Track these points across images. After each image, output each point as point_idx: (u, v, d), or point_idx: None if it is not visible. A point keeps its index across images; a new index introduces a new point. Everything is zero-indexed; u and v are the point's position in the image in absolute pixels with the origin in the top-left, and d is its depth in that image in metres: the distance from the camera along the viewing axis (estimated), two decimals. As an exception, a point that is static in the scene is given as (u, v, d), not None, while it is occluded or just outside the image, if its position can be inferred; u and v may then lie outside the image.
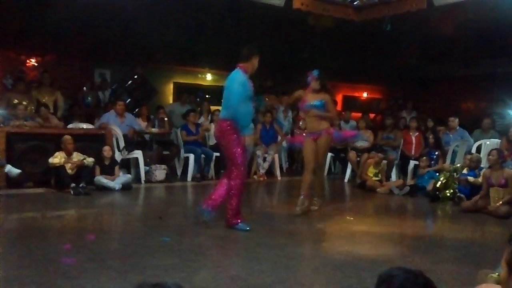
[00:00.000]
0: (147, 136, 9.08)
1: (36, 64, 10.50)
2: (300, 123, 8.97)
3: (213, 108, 10.64)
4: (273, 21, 9.66)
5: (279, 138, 9.82)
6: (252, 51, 5.18)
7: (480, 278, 2.70)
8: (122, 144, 8.17)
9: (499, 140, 8.48)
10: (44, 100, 8.57)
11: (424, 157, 8.41)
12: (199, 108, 10.59)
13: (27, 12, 8.61)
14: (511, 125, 9.07)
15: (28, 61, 10.51)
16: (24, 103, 8.10)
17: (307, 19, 9.30)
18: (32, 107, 8.31)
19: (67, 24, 8.84)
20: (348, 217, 6.06)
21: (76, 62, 11.16)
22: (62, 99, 9.01)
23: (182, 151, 9.01)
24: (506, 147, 8.00)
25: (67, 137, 7.14)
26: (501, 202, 6.29)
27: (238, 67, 5.09)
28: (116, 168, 7.52)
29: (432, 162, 8.46)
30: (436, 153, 8.62)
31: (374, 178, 8.44)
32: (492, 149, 6.95)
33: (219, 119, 5.26)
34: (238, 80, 4.95)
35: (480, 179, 7.01)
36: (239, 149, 4.92)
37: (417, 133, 9.29)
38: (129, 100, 9.75)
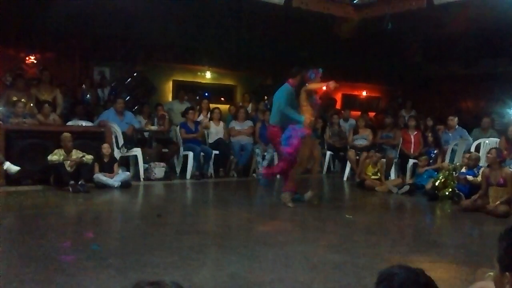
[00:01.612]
0: (146, 134, 9.08)
1: (35, 62, 10.48)
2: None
3: (212, 106, 10.64)
4: (273, 19, 9.65)
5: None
6: (299, 70, 6.52)
7: (478, 277, 2.71)
8: (121, 141, 8.17)
9: (498, 139, 8.49)
10: (43, 98, 8.55)
11: (423, 157, 8.41)
12: (198, 106, 10.59)
13: (27, 9, 8.59)
14: (510, 124, 9.08)
15: (27, 58, 10.48)
16: (23, 100, 8.08)
17: (306, 18, 9.30)
18: (31, 105, 8.29)
19: (67, 21, 8.82)
20: (347, 216, 6.07)
21: (75, 59, 11.13)
22: (61, 97, 8.98)
23: (181, 149, 9.00)
24: (505, 146, 8.00)
25: (66, 134, 7.14)
26: (499, 202, 6.29)
27: (287, 82, 6.48)
28: (115, 165, 7.51)
29: (431, 161, 8.47)
30: (435, 151, 8.63)
31: (373, 177, 8.44)
32: (492, 148, 6.95)
33: (270, 125, 6.71)
34: (288, 90, 6.39)
35: (478, 178, 7.01)
36: (286, 147, 6.35)
37: (416, 132, 9.29)
38: (128, 98, 9.73)
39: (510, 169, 6.58)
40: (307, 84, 6.45)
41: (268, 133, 6.96)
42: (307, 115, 6.31)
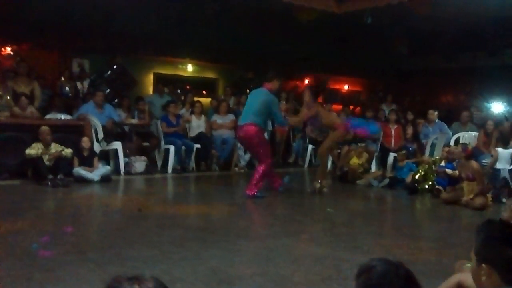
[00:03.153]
0: (126, 127, 8.98)
1: (11, 53, 10.25)
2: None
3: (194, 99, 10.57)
4: (255, 12, 9.62)
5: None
6: (276, 75, 6.75)
7: (457, 269, 2.75)
8: (101, 135, 8.06)
9: (477, 133, 8.62)
10: (20, 90, 8.37)
11: (402, 152, 8.46)
12: (183, 97, 10.51)
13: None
14: (488, 118, 9.22)
15: (3, 49, 10.25)
16: (0, 93, 7.92)
17: (288, 11, 9.29)
18: (8, 97, 8.12)
19: (45, 11, 8.66)
20: (328, 209, 6.10)
21: (53, 51, 10.93)
22: (39, 89, 8.81)
23: (162, 142, 8.93)
24: (484, 140, 8.14)
25: (45, 128, 7.02)
26: (472, 196, 6.39)
27: (264, 86, 6.66)
28: (95, 159, 7.42)
29: (410, 155, 8.54)
30: (413, 146, 8.70)
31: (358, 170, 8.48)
32: (460, 143, 7.09)
33: (246, 123, 6.50)
34: (273, 99, 6.64)
35: (457, 172, 7.12)
36: (264, 147, 6.65)
37: (397, 126, 9.36)
38: (108, 90, 9.61)
39: (476, 163, 6.69)
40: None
41: (246, 131, 6.50)
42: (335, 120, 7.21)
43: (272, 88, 6.69)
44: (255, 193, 6.46)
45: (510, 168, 7.17)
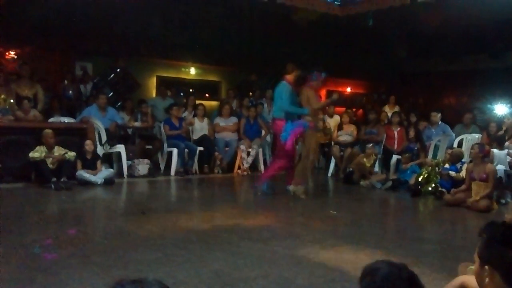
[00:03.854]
0: (129, 130, 9.00)
1: (15, 56, 10.29)
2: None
3: (197, 102, 10.58)
4: (257, 15, 9.63)
5: (263, 132, 9.83)
6: (295, 67, 6.89)
7: (460, 271, 2.74)
8: (104, 138, 8.08)
9: (480, 135, 8.60)
10: (24, 94, 8.40)
11: (406, 154, 8.45)
12: (184, 101, 10.52)
13: (5, 2, 8.42)
14: (491, 120, 9.21)
15: (6, 53, 10.29)
16: (3, 96, 7.94)
17: (290, 14, 9.31)
18: (11, 101, 8.14)
19: (47, 14, 8.68)
20: (331, 211, 6.10)
21: (56, 54, 10.97)
22: (42, 92, 8.83)
23: (165, 145, 8.94)
24: (486, 142, 8.11)
25: (48, 131, 7.03)
26: (479, 197, 6.36)
27: (284, 79, 6.80)
28: (98, 162, 7.43)
29: (413, 156, 8.53)
30: (416, 148, 8.70)
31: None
32: (475, 143, 7.04)
33: (276, 118, 6.89)
34: (287, 89, 6.68)
35: (461, 174, 7.10)
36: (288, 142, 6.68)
37: (399, 128, 9.36)
38: (111, 93, 9.63)
39: (491, 164, 6.67)
40: (311, 84, 6.87)
41: (273, 127, 7.31)
42: (317, 116, 6.95)
43: (292, 80, 6.83)
44: (263, 185, 6.89)
45: (505, 169, 7.16)
